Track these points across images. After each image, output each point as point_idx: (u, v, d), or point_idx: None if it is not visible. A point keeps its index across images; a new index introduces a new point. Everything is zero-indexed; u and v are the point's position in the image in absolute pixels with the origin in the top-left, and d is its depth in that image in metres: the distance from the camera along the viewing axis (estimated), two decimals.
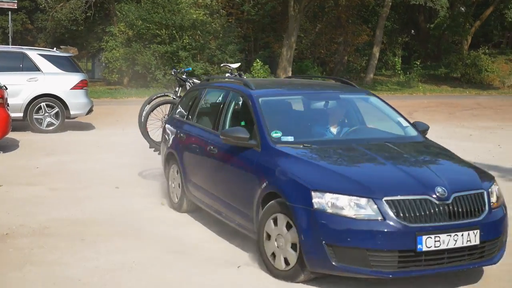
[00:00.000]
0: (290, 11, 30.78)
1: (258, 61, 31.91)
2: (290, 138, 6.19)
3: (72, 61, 16.12)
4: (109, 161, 11.40)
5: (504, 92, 33.58)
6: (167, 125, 8.77)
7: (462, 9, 38.91)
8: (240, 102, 7.22)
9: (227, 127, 6.84)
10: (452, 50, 39.70)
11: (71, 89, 15.34)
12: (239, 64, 10.76)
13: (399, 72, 35.44)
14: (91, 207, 8.19)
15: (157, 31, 28.54)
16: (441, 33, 40.39)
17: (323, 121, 6.99)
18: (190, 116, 8.09)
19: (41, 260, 6.10)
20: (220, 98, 7.95)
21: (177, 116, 8.59)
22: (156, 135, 9.89)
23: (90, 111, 16.00)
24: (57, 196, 8.75)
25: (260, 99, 6.69)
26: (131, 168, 10.68)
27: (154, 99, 10.27)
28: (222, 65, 10.21)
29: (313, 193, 5.22)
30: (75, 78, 15.55)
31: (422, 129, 6.97)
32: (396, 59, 37.26)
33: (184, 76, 10.60)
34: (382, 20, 33.84)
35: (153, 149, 10.00)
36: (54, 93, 15.19)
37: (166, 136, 8.65)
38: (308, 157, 5.86)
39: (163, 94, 10.53)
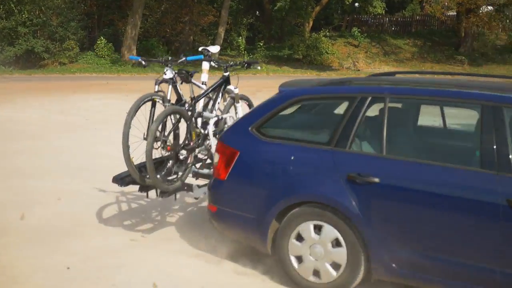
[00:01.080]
0: None
1: (102, 38, 31.32)
2: None
3: None
4: None
5: (342, 73, 35.07)
6: (270, 157, 5.47)
7: None
8: None
9: None
10: (295, 32, 40.79)
11: None
12: (219, 48, 8.03)
13: (244, 52, 36.02)
14: None
15: None
16: (283, 15, 41.43)
17: None
18: (347, 142, 5.09)
19: None
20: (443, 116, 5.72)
21: (290, 141, 5.47)
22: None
23: None
24: None
25: None
26: None
27: (142, 104, 6.29)
28: (200, 48, 7.30)
29: None
30: None
31: None
32: (241, 40, 37.82)
33: (183, 70, 6.85)
34: (227, 1, 34.17)
35: (162, 195, 6.45)
36: None
37: (264, 176, 5.44)
38: None
39: (150, 97, 6.39)
